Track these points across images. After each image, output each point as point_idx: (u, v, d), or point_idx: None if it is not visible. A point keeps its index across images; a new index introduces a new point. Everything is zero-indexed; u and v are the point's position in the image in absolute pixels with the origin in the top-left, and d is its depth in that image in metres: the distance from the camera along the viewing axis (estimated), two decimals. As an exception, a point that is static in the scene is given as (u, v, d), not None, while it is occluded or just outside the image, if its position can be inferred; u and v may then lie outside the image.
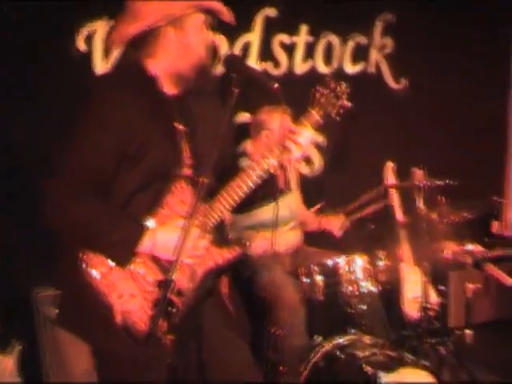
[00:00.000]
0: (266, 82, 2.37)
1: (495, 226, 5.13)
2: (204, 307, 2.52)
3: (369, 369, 2.85)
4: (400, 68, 4.75)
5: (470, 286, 4.47)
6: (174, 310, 2.25)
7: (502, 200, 5.18)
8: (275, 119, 3.65)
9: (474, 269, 4.51)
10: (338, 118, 2.55)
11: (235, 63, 2.43)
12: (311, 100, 2.55)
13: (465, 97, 5.06)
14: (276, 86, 2.33)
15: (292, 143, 2.46)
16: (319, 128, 2.56)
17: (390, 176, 4.61)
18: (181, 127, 2.38)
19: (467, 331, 2.96)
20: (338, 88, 2.56)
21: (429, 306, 3.94)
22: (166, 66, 2.35)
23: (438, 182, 3.68)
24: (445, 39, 4.91)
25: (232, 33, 4.16)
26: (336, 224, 4.04)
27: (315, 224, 4.08)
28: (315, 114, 2.52)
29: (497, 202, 4.98)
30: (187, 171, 2.37)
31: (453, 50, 4.97)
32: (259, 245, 3.64)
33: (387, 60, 4.72)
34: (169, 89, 2.39)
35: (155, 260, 2.30)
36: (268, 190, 2.70)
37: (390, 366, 2.86)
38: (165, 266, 2.28)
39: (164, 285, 2.15)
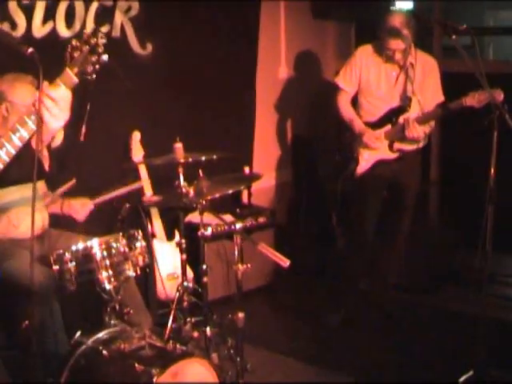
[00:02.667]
0: (17, 45, 2.19)
1: (245, 196, 5.32)
2: None
3: (139, 367, 2.76)
4: (146, 32, 4.62)
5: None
6: None
7: (251, 170, 5.40)
8: (17, 90, 3.36)
9: (227, 240, 4.67)
10: (93, 76, 2.39)
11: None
12: (66, 56, 2.35)
13: (214, 64, 5.13)
14: (30, 50, 2.16)
15: (46, 112, 2.28)
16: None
17: (137, 147, 4.55)
18: None
19: (239, 314, 2.99)
20: (93, 40, 2.36)
21: (185, 282, 4.00)
22: None
23: (199, 157, 3.68)
24: (193, 1, 4.89)
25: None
26: (78, 209, 3.81)
27: (58, 207, 3.85)
28: (70, 73, 2.32)
29: (248, 172, 5.17)
30: None
31: (203, 16, 5.00)
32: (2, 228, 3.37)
33: (133, 23, 4.56)
34: None
35: None
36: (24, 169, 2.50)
37: (162, 361, 2.80)
38: None
39: None
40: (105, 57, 2.38)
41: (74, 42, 2.36)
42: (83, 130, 3.43)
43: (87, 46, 2.35)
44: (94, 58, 2.36)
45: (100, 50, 2.37)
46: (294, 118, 6.14)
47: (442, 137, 6.07)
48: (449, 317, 4.86)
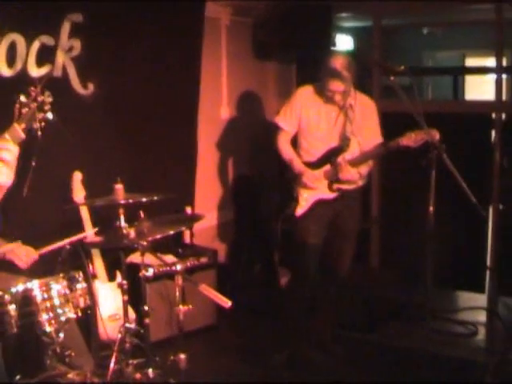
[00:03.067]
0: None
1: (186, 236, 5.33)
2: None
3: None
4: (88, 72, 4.63)
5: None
6: None
7: (194, 210, 5.42)
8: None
9: (169, 280, 4.65)
10: (39, 133, 2.42)
11: None
12: (14, 112, 2.38)
13: (156, 104, 5.16)
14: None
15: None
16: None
17: (77, 187, 4.53)
18: None
19: (181, 356, 3.00)
20: (40, 98, 2.42)
21: (127, 323, 3.97)
22: None
23: (139, 198, 3.69)
24: (135, 41, 4.94)
25: None
26: (22, 257, 3.71)
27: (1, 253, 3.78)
28: (18, 128, 2.35)
29: (190, 213, 5.19)
30: None
31: (145, 56, 5.05)
32: None
33: (74, 63, 4.57)
34: None
35: None
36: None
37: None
38: None
39: None
40: (50, 115, 2.43)
41: (22, 99, 2.39)
42: (26, 186, 3.42)
43: (35, 104, 2.38)
44: (40, 116, 2.40)
45: (46, 107, 2.43)
46: (236, 158, 6.20)
47: (382, 175, 6.20)
48: (392, 353, 4.91)
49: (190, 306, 3.15)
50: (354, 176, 4.38)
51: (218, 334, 5.21)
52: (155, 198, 3.71)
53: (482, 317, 5.57)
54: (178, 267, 3.18)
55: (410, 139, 4.11)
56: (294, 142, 4.64)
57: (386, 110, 5.74)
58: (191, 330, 4.74)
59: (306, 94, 4.55)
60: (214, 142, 5.98)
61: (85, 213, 4.43)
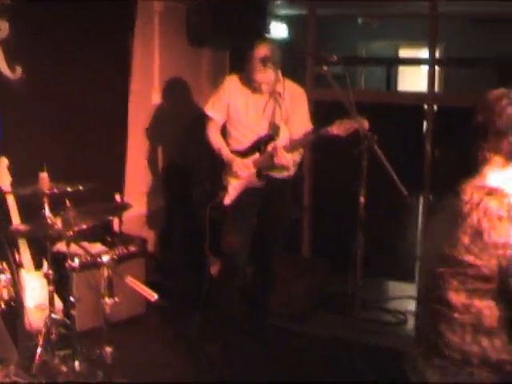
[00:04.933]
0: None
1: (116, 224, 5.27)
2: None
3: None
4: (16, 55, 4.53)
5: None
6: None
7: (123, 198, 5.36)
8: None
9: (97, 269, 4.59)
10: None
11: None
12: None
13: (85, 88, 5.08)
14: None
15: None
16: None
17: (3, 174, 4.43)
18: None
19: (107, 349, 2.97)
20: None
21: (53, 314, 3.92)
22: None
23: (65, 188, 3.64)
24: (65, 26, 4.86)
25: None
26: None
27: None
28: None
29: (119, 200, 5.13)
30: None
31: (75, 41, 4.97)
32: None
33: (2, 45, 4.46)
34: None
35: None
36: None
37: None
38: None
39: None
40: None
41: None
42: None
43: None
44: None
45: None
46: (168, 145, 6.17)
47: (314, 165, 6.26)
48: (322, 343, 4.98)
49: (117, 299, 3.13)
50: (288, 162, 4.41)
51: (147, 324, 5.18)
52: (80, 187, 3.66)
53: (411, 306, 5.68)
54: (104, 258, 3.15)
55: (340, 128, 4.16)
56: (225, 131, 4.64)
57: (319, 98, 5.81)
58: (120, 320, 4.70)
59: (233, 82, 4.56)
60: (144, 128, 5.92)
61: (11, 201, 4.34)
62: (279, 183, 4.59)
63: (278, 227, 4.70)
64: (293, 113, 4.50)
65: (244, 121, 4.53)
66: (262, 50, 4.30)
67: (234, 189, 4.53)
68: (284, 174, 4.58)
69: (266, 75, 4.31)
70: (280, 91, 4.47)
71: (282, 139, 4.48)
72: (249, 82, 4.46)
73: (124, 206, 4.36)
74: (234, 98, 4.52)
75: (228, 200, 4.52)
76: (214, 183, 4.61)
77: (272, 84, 4.39)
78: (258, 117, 4.51)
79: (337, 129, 4.18)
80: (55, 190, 3.63)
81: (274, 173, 4.53)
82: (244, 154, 4.53)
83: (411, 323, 5.36)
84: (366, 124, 4.06)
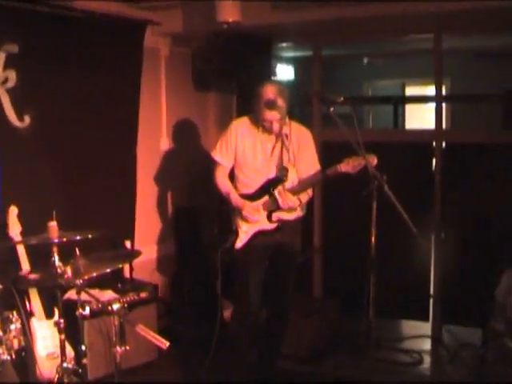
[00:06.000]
0: None
1: (126, 271, 5.27)
2: None
3: None
4: (24, 104, 4.59)
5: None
6: None
7: (133, 244, 5.37)
8: None
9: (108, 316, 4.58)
10: None
11: None
12: None
13: (94, 136, 5.15)
14: None
15: None
16: None
17: (13, 222, 4.46)
18: None
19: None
20: None
21: (65, 363, 3.89)
22: None
23: (74, 237, 3.64)
24: (73, 72, 4.94)
25: None
26: None
27: None
28: None
29: (129, 248, 5.15)
30: None
31: (83, 87, 5.03)
32: None
33: (10, 94, 4.52)
34: None
35: None
36: None
37: None
38: None
39: None
40: None
41: None
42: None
43: None
44: None
45: None
46: (176, 189, 6.20)
47: (324, 205, 6.25)
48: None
49: (127, 347, 3.12)
50: (294, 203, 4.41)
51: (159, 371, 5.13)
52: (90, 236, 3.66)
53: (426, 345, 5.63)
54: (115, 307, 3.14)
55: (348, 165, 4.18)
56: (233, 175, 4.66)
57: (326, 139, 5.83)
58: (132, 367, 4.69)
59: (240, 126, 4.58)
60: (153, 173, 5.96)
61: (21, 249, 4.36)
62: (290, 224, 4.58)
63: (289, 269, 4.68)
64: (300, 154, 4.51)
65: (252, 164, 4.53)
66: (269, 90, 4.32)
67: (244, 233, 4.52)
68: (294, 216, 4.57)
69: (274, 114, 4.32)
70: (287, 132, 4.48)
71: (290, 181, 4.48)
72: (257, 124, 4.49)
73: (134, 254, 4.35)
74: (241, 142, 4.53)
75: (239, 244, 4.51)
76: (223, 227, 4.61)
77: (281, 124, 4.41)
78: (266, 159, 4.52)
79: (345, 166, 4.19)
80: (64, 239, 3.63)
81: (283, 214, 4.52)
82: (253, 197, 4.53)
83: (427, 362, 5.31)
84: (374, 160, 4.07)
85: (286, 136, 4.48)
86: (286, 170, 4.48)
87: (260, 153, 4.52)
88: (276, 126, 4.39)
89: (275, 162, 4.52)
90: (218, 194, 4.64)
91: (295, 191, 4.41)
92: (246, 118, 4.59)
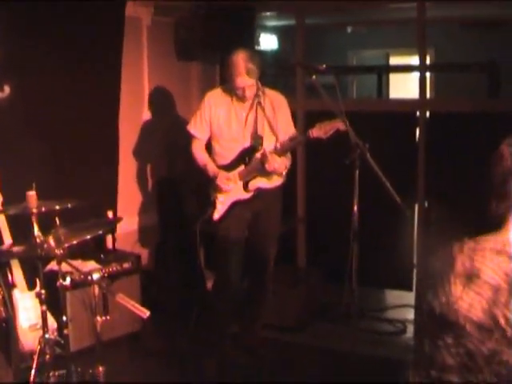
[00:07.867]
0: None
1: (109, 242, 5.25)
2: None
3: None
4: (4, 73, 4.54)
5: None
6: None
7: (116, 215, 5.34)
8: None
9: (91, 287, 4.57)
10: None
11: None
12: None
13: (75, 106, 5.09)
14: None
15: None
16: None
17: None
18: None
19: (100, 368, 2.94)
20: None
21: (47, 334, 3.88)
22: None
23: (53, 206, 3.62)
24: (53, 42, 4.87)
25: None
26: None
27: None
28: None
29: (111, 217, 5.11)
30: None
31: (64, 57, 4.97)
32: None
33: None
34: None
35: None
36: None
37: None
38: None
39: None
40: None
41: None
42: None
43: None
44: None
45: None
46: (158, 160, 6.16)
47: (307, 174, 6.24)
48: (320, 353, 4.96)
49: (108, 317, 3.11)
50: (280, 165, 4.39)
51: (142, 341, 5.13)
52: (69, 205, 3.64)
53: (410, 314, 5.66)
54: (95, 276, 3.12)
55: (320, 130, 4.19)
56: (210, 147, 4.66)
57: (310, 108, 5.80)
58: (115, 338, 4.68)
59: (214, 97, 4.57)
60: (135, 143, 5.91)
61: (2, 220, 4.32)
62: (269, 193, 4.57)
63: (269, 239, 4.68)
64: (276, 120, 4.49)
65: (227, 134, 4.52)
66: (239, 56, 4.30)
67: (221, 203, 4.51)
68: (274, 183, 4.56)
69: (247, 80, 4.30)
70: (260, 100, 4.46)
71: (267, 148, 4.46)
72: (230, 92, 4.47)
73: (115, 221, 4.34)
74: (215, 113, 4.52)
75: (217, 215, 4.51)
76: (202, 198, 4.60)
77: (254, 90, 4.38)
78: (241, 129, 4.50)
79: (317, 131, 4.20)
80: (43, 208, 3.61)
81: (263, 183, 4.51)
82: (229, 167, 4.52)
83: (410, 332, 5.34)
84: (343, 124, 4.07)
85: (260, 104, 4.45)
86: (261, 138, 4.47)
87: (235, 122, 4.51)
88: (249, 93, 4.37)
89: (250, 130, 4.50)
90: (196, 167, 4.63)
91: (277, 153, 4.39)
92: (219, 89, 4.60)
